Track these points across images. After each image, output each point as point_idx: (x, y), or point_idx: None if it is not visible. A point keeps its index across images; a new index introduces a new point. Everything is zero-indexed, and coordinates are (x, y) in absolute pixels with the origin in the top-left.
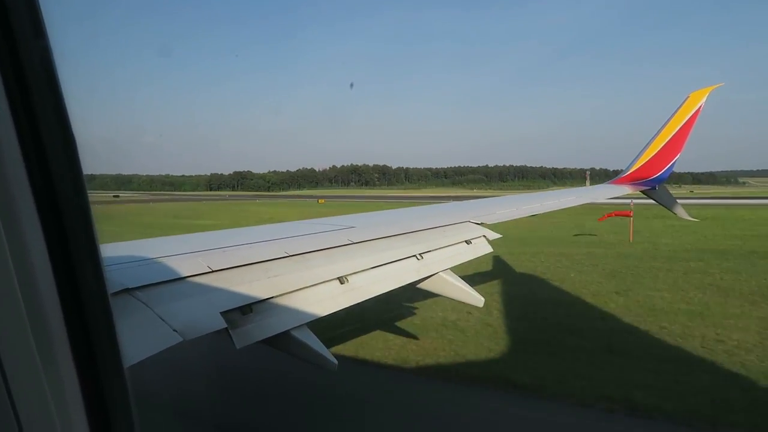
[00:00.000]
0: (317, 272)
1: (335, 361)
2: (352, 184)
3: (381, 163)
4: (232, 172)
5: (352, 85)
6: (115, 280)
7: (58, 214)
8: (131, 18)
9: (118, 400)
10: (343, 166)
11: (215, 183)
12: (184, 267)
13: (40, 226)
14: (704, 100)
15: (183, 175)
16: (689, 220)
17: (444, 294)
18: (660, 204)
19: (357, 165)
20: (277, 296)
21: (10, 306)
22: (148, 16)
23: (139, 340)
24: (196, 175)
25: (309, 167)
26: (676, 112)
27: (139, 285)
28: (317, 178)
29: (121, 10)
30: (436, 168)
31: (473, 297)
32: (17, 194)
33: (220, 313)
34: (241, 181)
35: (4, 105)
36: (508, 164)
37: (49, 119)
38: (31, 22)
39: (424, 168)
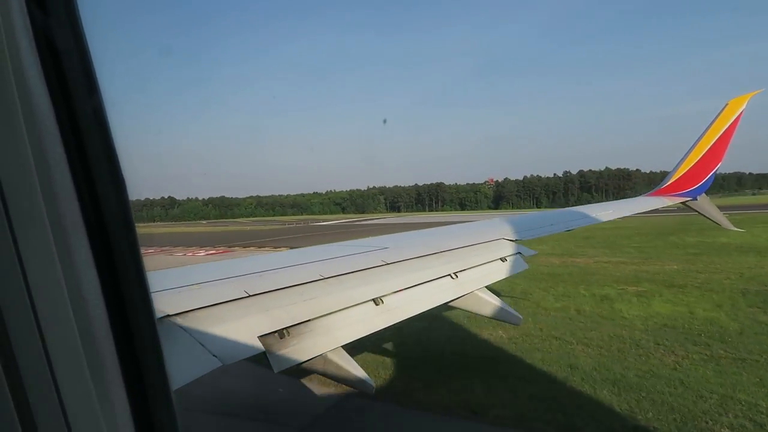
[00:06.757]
0: (352, 294)
1: (372, 384)
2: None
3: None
4: (412, 184)
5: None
6: (155, 307)
7: (109, 248)
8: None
9: (166, 425)
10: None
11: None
12: (221, 293)
13: (92, 262)
14: (744, 106)
15: (351, 190)
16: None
17: (480, 312)
18: (702, 215)
19: (572, 172)
20: (312, 319)
21: (66, 335)
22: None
23: (179, 365)
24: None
25: (473, 182)
26: (714, 120)
27: (179, 311)
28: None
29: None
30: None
31: (511, 315)
32: (72, 231)
33: (258, 337)
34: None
35: (60, 151)
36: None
37: (100, 162)
38: (86, 79)
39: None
